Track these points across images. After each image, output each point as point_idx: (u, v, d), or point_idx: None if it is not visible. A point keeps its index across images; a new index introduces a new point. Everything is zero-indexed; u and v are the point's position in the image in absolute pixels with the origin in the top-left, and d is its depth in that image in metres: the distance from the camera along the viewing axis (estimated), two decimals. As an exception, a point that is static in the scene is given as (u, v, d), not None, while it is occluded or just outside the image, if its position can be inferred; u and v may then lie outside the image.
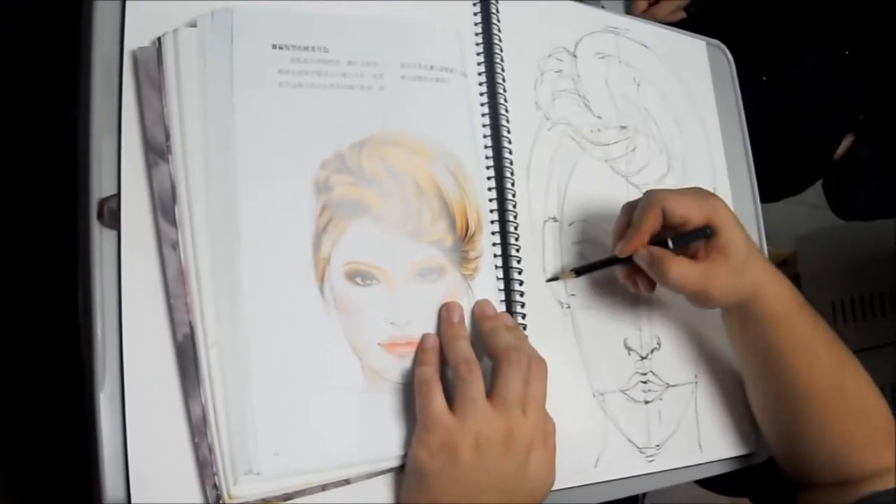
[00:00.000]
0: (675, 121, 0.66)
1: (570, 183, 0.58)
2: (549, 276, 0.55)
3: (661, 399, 0.58)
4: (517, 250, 0.53)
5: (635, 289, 0.55)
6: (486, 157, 0.54)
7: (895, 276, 1.33)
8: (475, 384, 0.43)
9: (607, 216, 0.56)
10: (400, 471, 0.45)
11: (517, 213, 0.54)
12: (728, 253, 0.49)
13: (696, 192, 0.52)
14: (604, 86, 0.63)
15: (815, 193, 1.03)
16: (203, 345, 0.41)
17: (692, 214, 0.50)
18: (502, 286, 0.52)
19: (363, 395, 0.45)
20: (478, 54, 0.55)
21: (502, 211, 0.53)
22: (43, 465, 0.65)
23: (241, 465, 0.41)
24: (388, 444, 0.45)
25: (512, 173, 0.54)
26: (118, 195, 0.42)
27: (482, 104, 0.55)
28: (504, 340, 0.45)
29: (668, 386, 0.59)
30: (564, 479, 0.50)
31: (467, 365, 0.44)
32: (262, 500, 0.41)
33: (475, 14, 0.56)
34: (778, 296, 0.52)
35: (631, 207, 0.52)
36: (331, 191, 0.46)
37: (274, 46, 0.47)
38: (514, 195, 0.54)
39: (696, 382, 0.60)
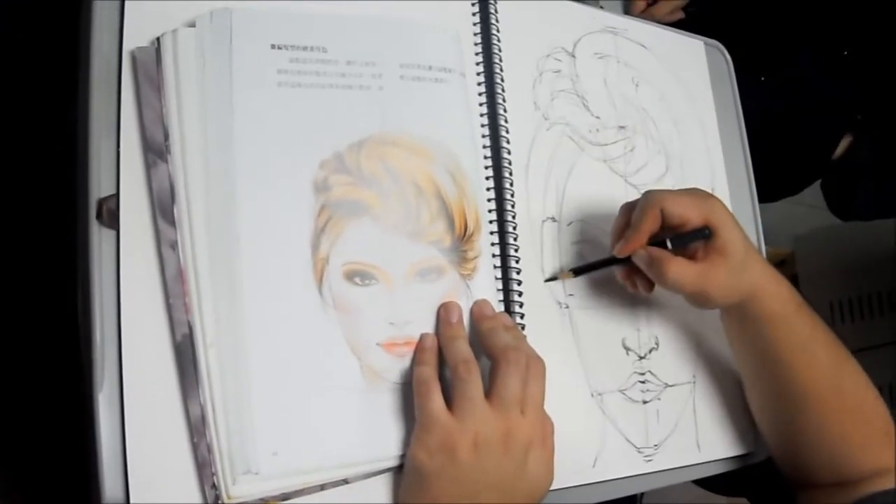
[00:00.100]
0: (674, 121, 0.66)
1: (569, 183, 0.58)
2: (547, 276, 0.55)
3: (659, 399, 0.58)
4: (516, 250, 0.53)
5: (634, 289, 0.55)
6: (485, 157, 0.54)
7: (894, 276, 1.33)
8: (474, 384, 0.43)
9: (606, 216, 0.56)
10: (399, 471, 0.45)
11: (516, 213, 0.54)
12: (726, 253, 0.49)
13: (695, 193, 0.52)
14: (602, 86, 0.63)
15: (813, 193, 1.03)
16: (202, 345, 0.41)
17: (691, 215, 0.50)
18: (501, 286, 0.52)
19: (362, 395, 0.45)
20: (476, 54, 0.55)
21: (501, 211, 0.53)
22: (43, 466, 0.65)
23: (239, 464, 0.41)
24: (386, 443, 0.45)
25: (510, 173, 0.54)
26: (117, 195, 0.42)
27: (481, 104, 0.55)
28: (502, 340, 0.45)
29: (667, 386, 0.59)
30: (563, 478, 0.50)
31: (466, 365, 0.44)
32: (261, 499, 0.41)
33: (474, 14, 0.56)
34: (776, 296, 0.52)
35: (629, 208, 0.52)
36: (329, 191, 0.46)
37: (273, 46, 0.47)
38: (512, 195, 0.54)
39: (694, 382, 0.60)
